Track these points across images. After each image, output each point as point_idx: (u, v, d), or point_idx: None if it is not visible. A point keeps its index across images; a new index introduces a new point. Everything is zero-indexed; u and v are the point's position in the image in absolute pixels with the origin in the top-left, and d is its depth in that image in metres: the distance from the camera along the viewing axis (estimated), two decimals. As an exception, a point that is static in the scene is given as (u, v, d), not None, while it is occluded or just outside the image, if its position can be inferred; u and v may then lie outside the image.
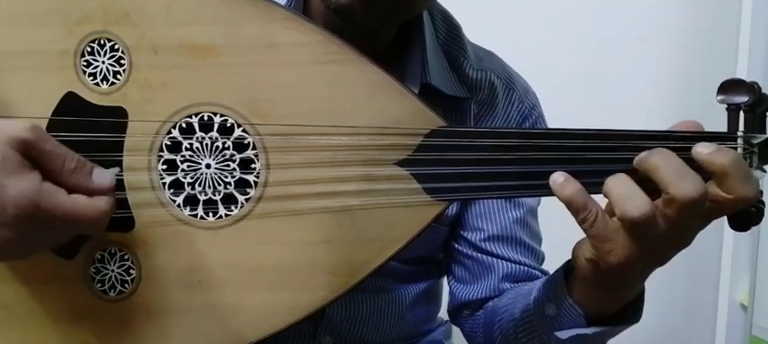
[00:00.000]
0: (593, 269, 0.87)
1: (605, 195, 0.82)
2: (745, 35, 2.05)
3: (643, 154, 0.82)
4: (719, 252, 2.12)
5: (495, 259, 1.18)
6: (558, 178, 0.83)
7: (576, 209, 0.82)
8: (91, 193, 0.78)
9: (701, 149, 0.81)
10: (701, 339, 2.15)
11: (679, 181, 0.79)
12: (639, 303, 0.95)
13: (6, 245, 0.75)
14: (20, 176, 0.73)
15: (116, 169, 0.83)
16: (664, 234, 0.81)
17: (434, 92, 1.13)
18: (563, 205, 0.83)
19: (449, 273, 1.26)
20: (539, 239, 1.25)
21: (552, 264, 1.04)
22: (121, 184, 0.84)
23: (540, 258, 1.23)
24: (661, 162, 0.81)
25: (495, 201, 1.19)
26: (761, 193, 0.84)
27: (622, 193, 0.81)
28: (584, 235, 0.86)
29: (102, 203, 0.78)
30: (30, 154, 0.75)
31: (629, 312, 0.94)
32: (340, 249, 0.87)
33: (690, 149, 0.82)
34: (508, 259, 1.18)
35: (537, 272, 1.20)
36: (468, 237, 1.20)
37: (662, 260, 0.86)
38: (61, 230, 0.78)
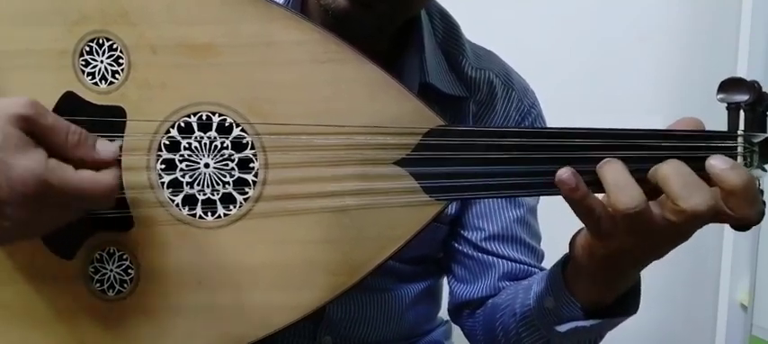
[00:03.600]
0: (588, 258, 0.88)
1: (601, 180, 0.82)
2: (745, 35, 2.05)
3: (656, 166, 0.82)
4: (719, 252, 2.11)
5: (495, 258, 1.18)
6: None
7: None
8: (96, 165, 0.77)
9: (716, 163, 0.81)
10: (701, 339, 2.15)
11: (688, 195, 0.79)
12: (636, 295, 0.95)
13: (16, 225, 0.74)
14: (24, 154, 0.72)
15: (120, 141, 0.83)
16: (661, 232, 0.81)
17: (433, 91, 1.12)
18: (563, 204, 0.83)
19: (448, 272, 1.26)
20: (538, 238, 1.25)
21: (552, 262, 1.04)
22: (120, 183, 0.84)
23: (539, 256, 1.23)
24: (671, 173, 0.81)
25: (495, 200, 1.19)
26: (761, 192, 0.83)
27: (615, 181, 0.81)
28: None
29: (108, 176, 0.77)
30: (31, 130, 0.73)
31: (626, 303, 0.94)
32: (339, 249, 0.86)
33: (693, 147, 0.83)
34: (508, 258, 1.18)
35: (536, 270, 1.19)
36: (469, 236, 1.20)
37: (658, 254, 0.86)
38: (70, 207, 0.77)
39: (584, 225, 0.86)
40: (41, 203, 0.73)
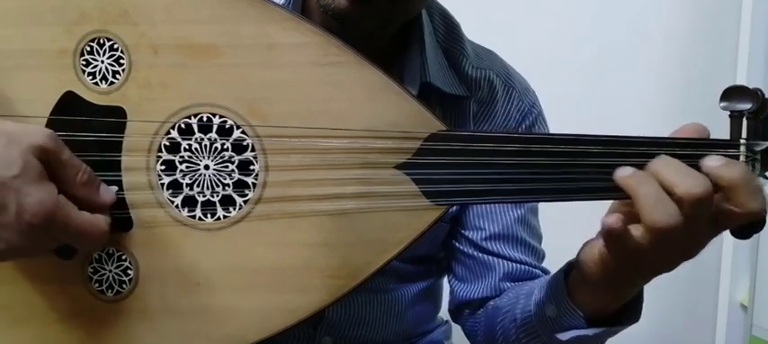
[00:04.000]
0: (600, 272, 0.87)
1: (631, 196, 0.81)
2: (745, 35, 2.05)
3: (646, 165, 0.82)
4: (719, 252, 2.12)
5: (495, 259, 1.18)
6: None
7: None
8: (96, 207, 0.80)
9: (710, 162, 0.81)
10: (701, 340, 2.15)
11: (682, 180, 0.79)
12: (638, 303, 0.95)
13: (10, 249, 0.75)
14: (40, 186, 0.74)
15: (115, 188, 0.84)
16: (675, 238, 0.80)
17: (434, 91, 1.12)
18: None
19: (449, 271, 1.26)
20: (539, 238, 1.25)
21: (553, 265, 1.04)
22: (120, 183, 0.84)
23: (540, 256, 1.23)
24: (662, 164, 0.81)
25: None
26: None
27: (653, 200, 0.79)
28: (583, 238, 0.87)
29: (102, 223, 0.80)
30: (49, 162, 0.76)
31: (629, 311, 0.94)
32: (338, 252, 0.86)
33: (694, 155, 0.82)
34: (509, 258, 1.18)
35: (537, 271, 1.19)
36: (469, 236, 1.19)
37: (669, 267, 0.85)
38: (61, 242, 0.79)
39: (594, 240, 0.86)
40: (40, 234, 0.75)
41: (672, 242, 0.80)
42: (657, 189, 0.80)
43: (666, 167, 0.81)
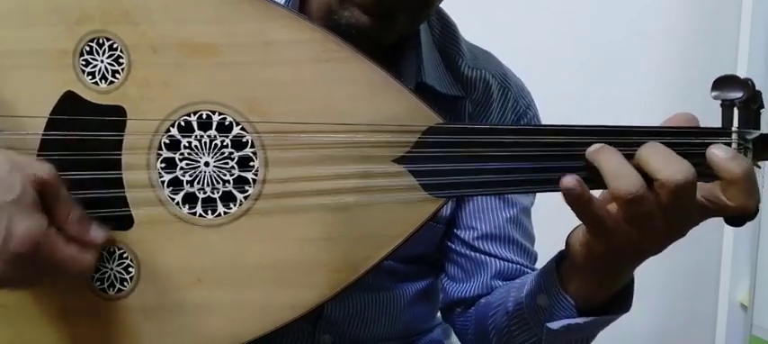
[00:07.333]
0: (586, 256, 0.88)
1: (598, 168, 0.82)
2: (745, 35, 2.06)
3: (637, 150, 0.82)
4: (719, 252, 2.11)
5: (487, 257, 1.19)
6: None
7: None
8: (85, 245, 0.80)
9: (717, 152, 0.81)
10: (701, 339, 2.15)
11: (666, 165, 0.79)
12: (629, 292, 0.95)
13: None
14: (31, 216, 0.75)
15: (107, 228, 0.84)
16: (657, 220, 0.81)
17: (429, 91, 1.13)
18: (558, 205, 0.83)
19: (442, 271, 1.26)
20: (532, 239, 1.25)
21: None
22: (120, 182, 0.85)
23: (532, 257, 1.23)
24: (650, 150, 0.81)
25: (488, 200, 1.19)
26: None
27: (615, 169, 0.81)
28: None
29: (89, 257, 0.80)
30: (45, 195, 0.77)
31: (619, 301, 0.94)
32: (339, 246, 0.87)
33: (685, 143, 0.83)
34: (500, 258, 1.19)
35: (529, 271, 1.19)
36: (462, 235, 1.20)
37: (655, 249, 0.86)
38: (47, 274, 0.80)
39: (582, 224, 0.86)
40: (26, 264, 0.76)
41: (647, 219, 0.81)
42: (618, 160, 0.81)
43: (653, 153, 0.81)
